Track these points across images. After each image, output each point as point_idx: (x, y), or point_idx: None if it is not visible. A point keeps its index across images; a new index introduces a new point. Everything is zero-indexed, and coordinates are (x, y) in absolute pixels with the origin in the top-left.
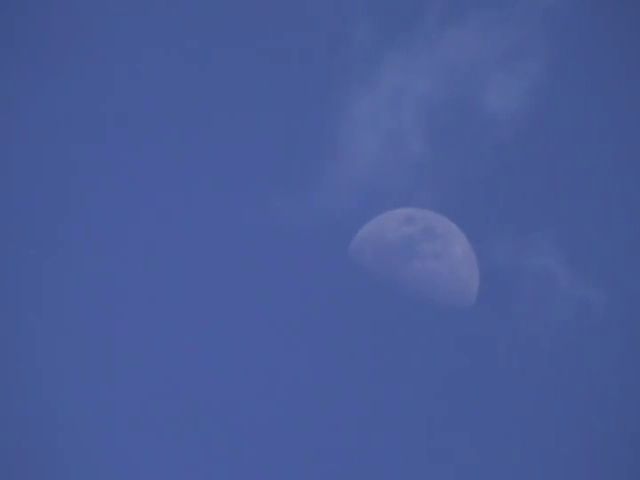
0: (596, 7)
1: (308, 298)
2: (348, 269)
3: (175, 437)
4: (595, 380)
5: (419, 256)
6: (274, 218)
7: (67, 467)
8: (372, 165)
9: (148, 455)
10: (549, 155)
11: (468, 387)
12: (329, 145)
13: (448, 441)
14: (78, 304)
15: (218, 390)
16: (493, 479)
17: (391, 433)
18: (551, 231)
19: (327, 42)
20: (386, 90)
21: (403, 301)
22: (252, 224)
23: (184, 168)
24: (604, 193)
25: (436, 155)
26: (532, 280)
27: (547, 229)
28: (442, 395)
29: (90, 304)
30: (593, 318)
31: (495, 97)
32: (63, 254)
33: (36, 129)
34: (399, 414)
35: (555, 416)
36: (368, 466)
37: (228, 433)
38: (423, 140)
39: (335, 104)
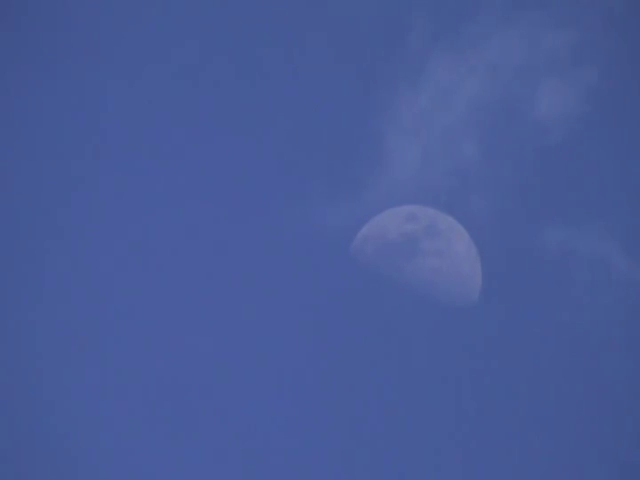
0: None
1: (316, 297)
2: (349, 267)
3: (175, 435)
4: None
5: (422, 253)
6: (317, 224)
7: (67, 466)
8: (420, 169)
9: (148, 454)
10: (604, 152)
11: (471, 387)
12: (375, 148)
13: (448, 443)
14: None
15: (222, 386)
16: None
17: (392, 433)
18: (606, 220)
19: (375, 44)
20: (434, 92)
21: (405, 299)
22: (295, 229)
23: (227, 173)
24: None
25: (486, 156)
26: (586, 268)
27: (602, 218)
28: (446, 395)
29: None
30: None
31: (548, 100)
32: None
33: (37, 129)
34: (404, 413)
35: (605, 415)
36: (368, 466)
37: (230, 432)
38: (473, 143)
39: (382, 106)
